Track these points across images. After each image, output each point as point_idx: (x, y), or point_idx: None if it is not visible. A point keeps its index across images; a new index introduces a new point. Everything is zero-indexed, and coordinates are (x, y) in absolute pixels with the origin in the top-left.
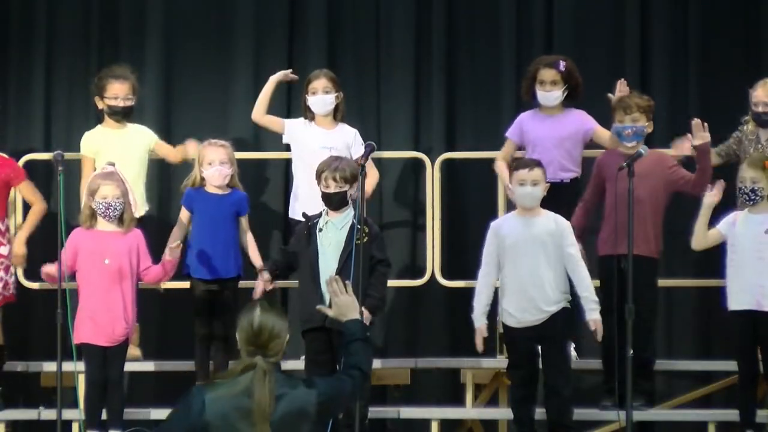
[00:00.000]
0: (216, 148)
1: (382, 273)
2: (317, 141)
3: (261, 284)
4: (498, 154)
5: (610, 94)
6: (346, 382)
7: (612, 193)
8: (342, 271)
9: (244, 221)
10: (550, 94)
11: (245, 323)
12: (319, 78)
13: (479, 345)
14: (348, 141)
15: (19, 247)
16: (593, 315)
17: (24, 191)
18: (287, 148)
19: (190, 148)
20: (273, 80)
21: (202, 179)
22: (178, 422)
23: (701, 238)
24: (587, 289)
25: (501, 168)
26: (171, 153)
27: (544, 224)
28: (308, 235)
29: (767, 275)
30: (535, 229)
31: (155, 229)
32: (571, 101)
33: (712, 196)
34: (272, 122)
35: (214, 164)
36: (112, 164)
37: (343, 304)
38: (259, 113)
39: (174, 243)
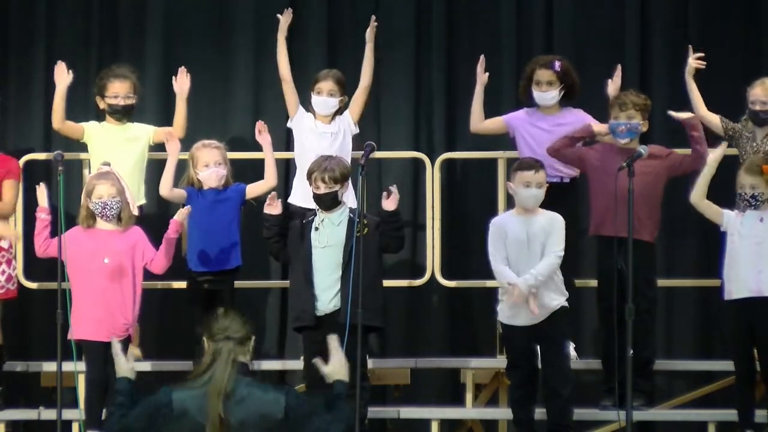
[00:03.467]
0: (210, 149)
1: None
2: (321, 128)
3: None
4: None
5: (609, 80)
6: (321, 416)
7: (606, 185)
8: (347, 266)
9: (249, 188)
10: (546, 95)
11: (211, 320)
12: (327, 80)
13: (533, 304)
14: (345, 124)
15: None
16: (527, 280)
17: (7, 189)
18: (286, 147)
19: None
20: (282, 31)
21: (198, 181)
22: (140, 411)
23: (700, 192)
24: (545, 268)
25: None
26: (169, 131)
27: (541, 223)
28: (301, 234)
29: (766, 261)
30: (533, 229)
31: (155, 227)
32: (568, 101)
33: (715, 153)
34: (293, 97)
35: (209, 166)
36: (108, 164)
37: (336, 365)
38: (286, 71)
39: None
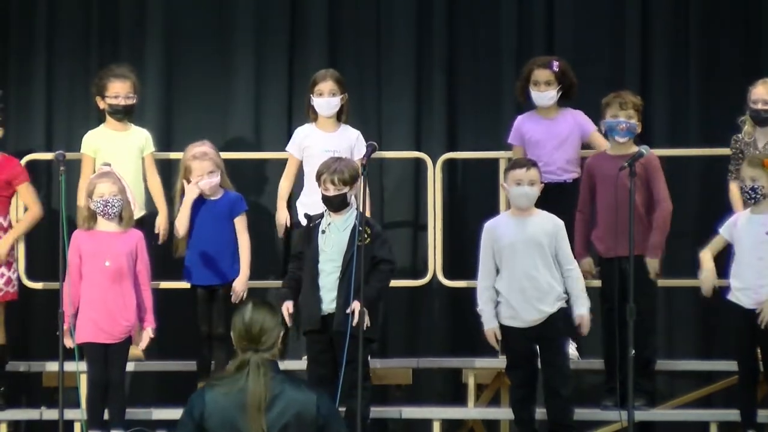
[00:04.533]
0: (202, 162)
1: (381, 270)
2: (320, 145)
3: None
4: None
5: None
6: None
7: (607, 194)
8: (345, 273)
9: (239, 222)
10: (545, 95)
11: (237, 320)
12: (326, 80)
13: (495, 345)
14: (351, 143)
15: (2, 247)
16: (581, 310)
17: (23, 193)
18: (286, 146)
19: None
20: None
21: None
22: (183, 427)
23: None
24: (578, 287)
25: None
26: (150, 173)
27: (539, 224)
28: (309, 237)
29: (767, 276)
30: (530, 229)
31: (154, 230)
32: (565, 101)
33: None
34: (293, 168)
35: (202, 177)
36: (108, 165)
37: None
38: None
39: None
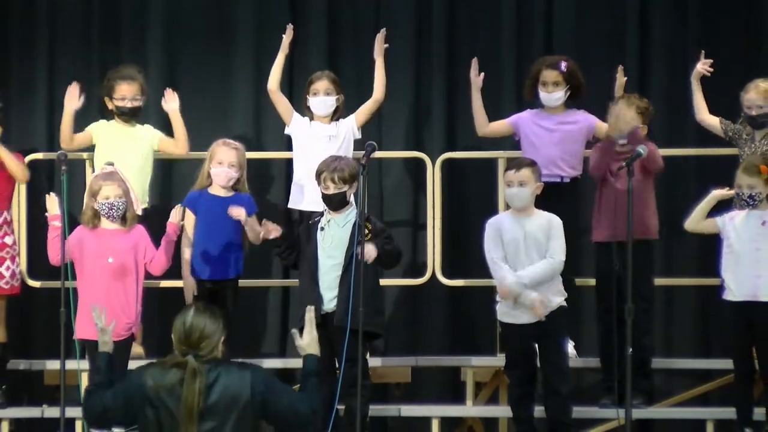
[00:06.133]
0: (228, 149)
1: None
2: (315, 131)
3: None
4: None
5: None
6: (294, 396)
7: (608, 188)
8: (347, 269)
9: (251, 221)
10: (553, 95)
11: (178, 323)
12: (321, 80)
13: (538, 309)
14: (345, 129)
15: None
16: (513, 280)
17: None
18: (287, 146)
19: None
20: (283, 48)
21: (209, 176)
22: (116, 392)
23: (696, 221)
24: (541, 269)
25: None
26: (172, 144)
27: (538, 223)
28: (308, 234)
29: (764, 266)
30: (529, 228)
31: (156, 224)
32: (573, 102)
33: (720, 191)
34: (284, 103)
35: (223, 164)
36: (111, 164)
37: (309, 339)
38: (275, 84)
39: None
